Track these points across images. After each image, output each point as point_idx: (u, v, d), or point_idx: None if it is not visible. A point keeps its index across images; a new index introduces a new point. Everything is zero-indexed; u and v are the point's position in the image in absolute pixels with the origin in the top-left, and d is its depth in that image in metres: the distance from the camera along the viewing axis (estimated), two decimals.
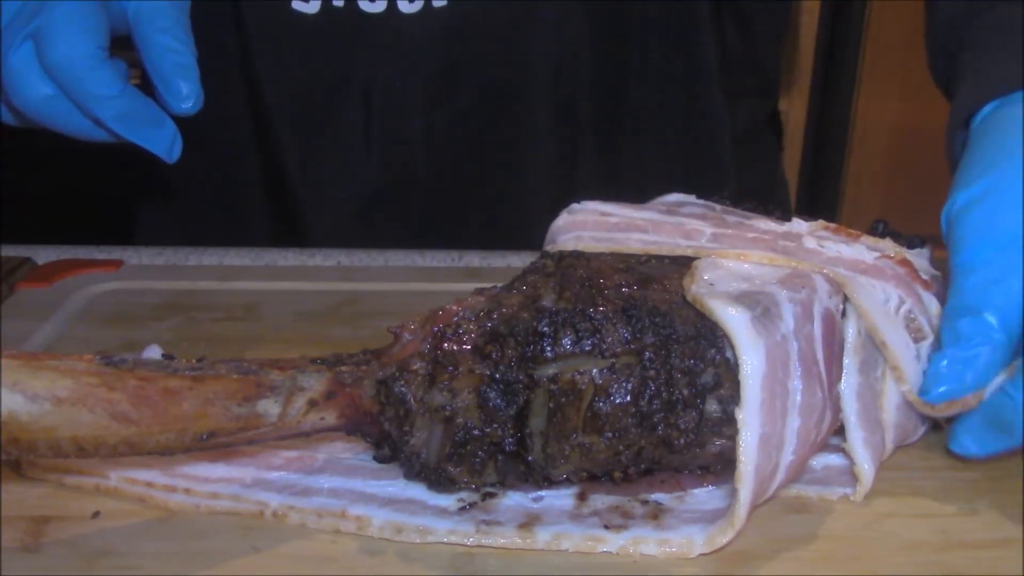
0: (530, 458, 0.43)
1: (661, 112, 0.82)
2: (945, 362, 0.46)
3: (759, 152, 0.92)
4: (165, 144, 0.58)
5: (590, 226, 0.54)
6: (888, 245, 0.50)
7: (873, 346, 0.47)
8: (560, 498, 0.45)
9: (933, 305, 0.48)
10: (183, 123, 0.60)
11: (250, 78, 0.79)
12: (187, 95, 0.57)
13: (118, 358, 0.41)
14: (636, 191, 0.61)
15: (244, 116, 0.80)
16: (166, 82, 0.58)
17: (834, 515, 0.45)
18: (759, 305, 0.43)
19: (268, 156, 0.81)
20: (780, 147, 0.97)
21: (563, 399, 0.42)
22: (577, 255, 0.51)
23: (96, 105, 0.56)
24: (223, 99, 0.78)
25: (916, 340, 0.47)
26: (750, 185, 0.89)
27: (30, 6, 0.56)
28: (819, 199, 1.91)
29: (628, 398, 0.42)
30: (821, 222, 0.51)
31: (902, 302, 0.47)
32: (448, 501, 0.45)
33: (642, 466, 0.44)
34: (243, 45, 0.78)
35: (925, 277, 0.49)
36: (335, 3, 0.75)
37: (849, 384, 0.46)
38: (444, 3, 0.74)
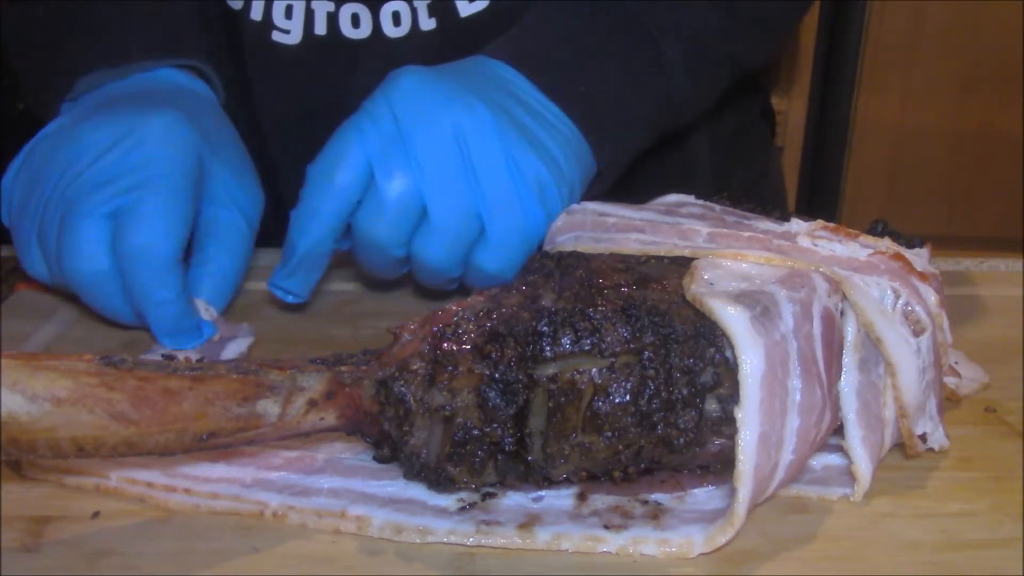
0: (530, 458, 0.43)
1: None
2: None
3: (752, 146, 0.92)
4: (189, 345, 0.57)
5: (588, 227, 0.54)
6: (883, 242, 0.50)
7: (872, 343, 0.47)
8: (560, 498, 0.45)
9: (931, 296, 0.48)
10: None
11: (250, 106, 0.77)
12: (204, 332, 0.58)
13: (118, 358, 0.41)
14: (631, 192, 0.61)
15: (247, 138, 0.79)
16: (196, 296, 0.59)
17: (834, 515, 0.45)
18: (758, 304, 0.43)
19: (269, 176, 0.80)
20: (773, 137, 0.97)
21: (563, 399, 0.42)
22: (577, 255, 0.51)
23: (148, 307, 0.56)
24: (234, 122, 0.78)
25: (916, 333, 0.47)
26: (744, 180, 0.88)
27: (126, 179, 0.55)
28: (819, 199, 1.91)
29: (627, 397, 0.42)
30: (820, 222, 0.51)
31: (898, 296, 0.47)
32: (448, 501, 0.45)
33: (642, 466, 0.44)
34: (242, 73, 0.76)
35: (920, 270, 0.49)
36: (317, 32, 0.73)
37: (849, 382, 0.46)
38: (432, 26, 0.72)
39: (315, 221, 0.56)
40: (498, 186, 0.56)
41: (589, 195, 0.63)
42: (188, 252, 0.60)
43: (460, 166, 0.55)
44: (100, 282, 0.56)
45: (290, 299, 0.60)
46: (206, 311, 0.58)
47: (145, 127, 0.56)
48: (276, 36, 0.73)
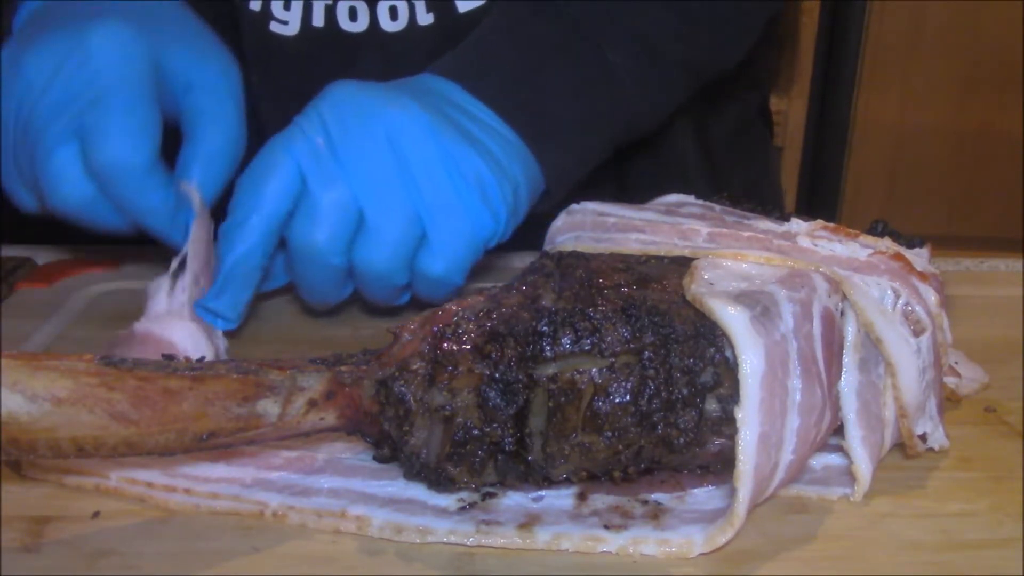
0: (530, 458, 0.43)
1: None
2: None
3: (751, 146, 0.92)
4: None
5: (588, 227, 0.54)
6: (883, 242, 0.50)
7: (872, 343, 0.47)
8: (560, 498, 0.45)
9: (931, 296, 0.48)
10: None
11: (248, 96, 0.78)
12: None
13: (118, 358, 0.41)
14: (631, 192, 0.61)
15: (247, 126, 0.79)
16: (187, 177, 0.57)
17: (834, 515, 0.45)
18: (758, 304, 0.43)
19: None
20: (772, 137, 0.97)
21: (563, 398, 0.42)
22: (577, 255, 0.51)
23: (141, 216, 0.55)
24: None
25: (916, 333, 0.47)
26: (744, 180, 0.88)
27: (81, 99, 0.54)
28: (819, 199, 1.91)
29: (627, 397, 0.42)
30: (820, 222, 0.51)
31: (898, 296, 0.47)
32: (448, 501, 0.45)
33: (642, 466, 0.44)
34: (243, 61, 0.77)
35: (920, 270, 0.49)
36: (314, 24, 0.73)
37: (849, 382, 0.46)
38: (430, 21, 0.72)
39: (243, 232, 0.54)
40: (436, 185, 0.54)
41: (537, 212, 0.61)
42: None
43: (395, 167, 0.54)
44: (90, 207, 0.55)
45: (219, 325, 0.56)
46: (192, 193, 0.56)
47: (85, 42, 0.54)
48: (274, 27, 0.74)
